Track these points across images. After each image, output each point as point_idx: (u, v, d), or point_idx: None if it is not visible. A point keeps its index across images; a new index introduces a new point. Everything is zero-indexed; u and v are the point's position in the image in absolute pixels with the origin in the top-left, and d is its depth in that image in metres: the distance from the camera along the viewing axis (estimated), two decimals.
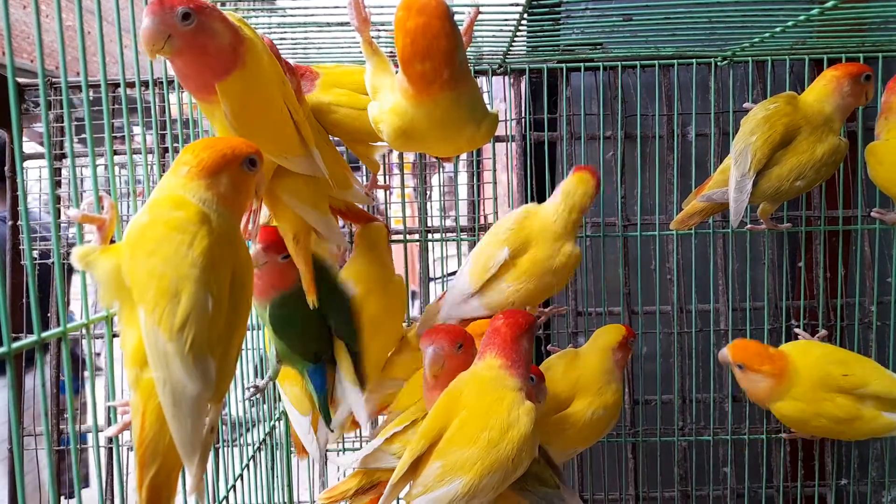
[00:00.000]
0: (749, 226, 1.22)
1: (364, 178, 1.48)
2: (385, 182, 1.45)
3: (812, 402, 1.03)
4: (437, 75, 0.70)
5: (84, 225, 0.65)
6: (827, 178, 1.09)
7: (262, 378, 1.06)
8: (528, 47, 1.30)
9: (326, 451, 1.14)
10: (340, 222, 1.20)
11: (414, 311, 1.84)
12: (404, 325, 1.14)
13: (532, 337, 0.88)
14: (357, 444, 1.48)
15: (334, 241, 0.94)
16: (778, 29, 1.12)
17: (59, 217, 1.58)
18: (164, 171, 1.58)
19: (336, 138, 1.04)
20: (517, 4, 1.01)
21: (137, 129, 0.83)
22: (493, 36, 1.21)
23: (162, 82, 0.90)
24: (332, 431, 1.05)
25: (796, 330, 1.22)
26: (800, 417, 1.04)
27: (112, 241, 0.65)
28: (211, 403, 0.59)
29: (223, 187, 0.64)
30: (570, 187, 1.01)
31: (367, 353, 1.03)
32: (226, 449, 1.14)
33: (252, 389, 1.03)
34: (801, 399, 1.03)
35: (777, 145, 1.03)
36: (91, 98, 0.72)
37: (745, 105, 1.17)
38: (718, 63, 1.34)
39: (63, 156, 1.52)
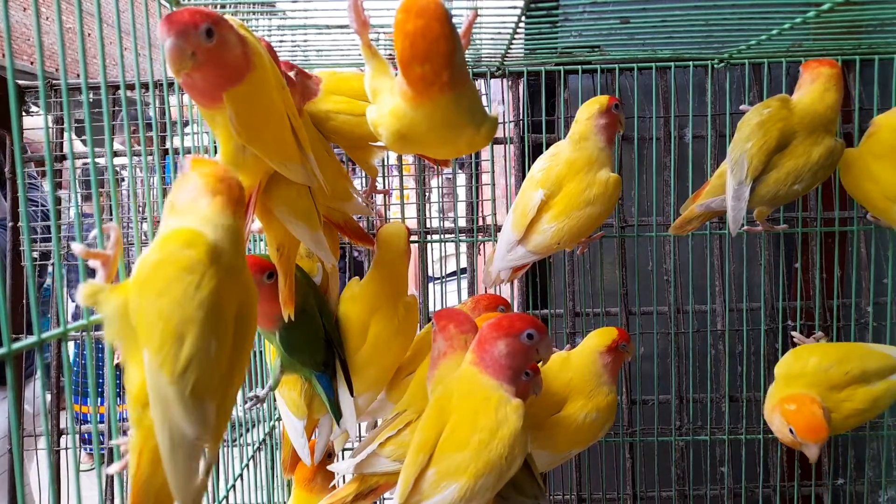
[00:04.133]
0: (746, 227, 1.22)
1: (362, 182, 1.48)
2: (384, 183, 1.45)
3: (838, 411, 1.03)
4: (436, 77, 0.70)
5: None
6: (824, 180, 1.09)
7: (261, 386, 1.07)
8: (526, 50, 1.31)
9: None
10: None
11: None
12: None
13: (513, 343, 0.84)
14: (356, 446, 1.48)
15: (323, 257, 0.94)
16: (774, 31, 1.12)
17: (59, 218, 1.59)
18: (163, 173, 1.58)
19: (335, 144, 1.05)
20: (515, 7, 1.02)
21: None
22: (492, 38, 1.21)
23: (162, 84, 0.91)
24: (341, 429, 1.06)
25: (792, 332, 1.22)
26: (837, 429, 1.05)
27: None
28: (208, 445, 0.58)
29: (240, 218, 0.63)
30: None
31: (364, 368, 1.04)
32: (226, 449, 1.14)
33: (252, 400, 1.03)
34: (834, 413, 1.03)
35: (773, 151, 1.04)
36: (91, 100, 0.73)
37: (741, 107, 1.18)
38: (715, 65, 1.34)
39: (63, 157, 1.53)
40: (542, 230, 1.04)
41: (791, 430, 0.99)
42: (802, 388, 1.03)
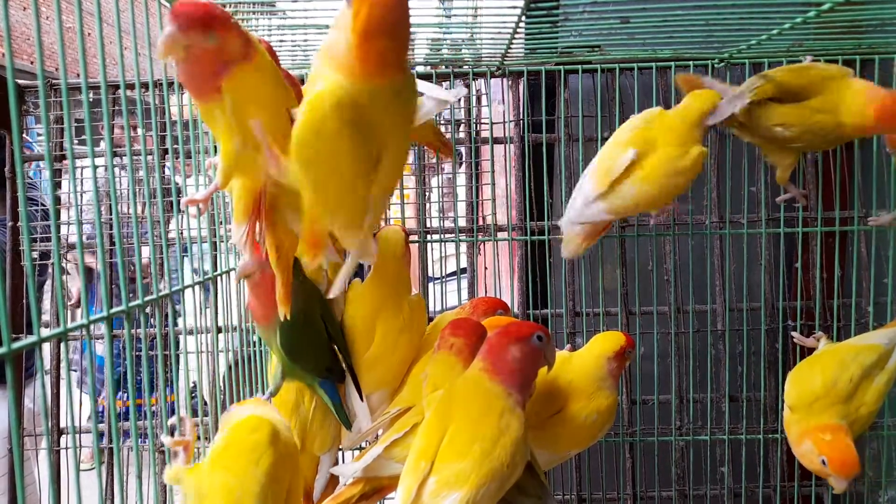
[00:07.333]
0: (782, 197, 1.18)
1: None
2: None
3: (857, 418, 1.04)
4: (396, 57, 0.67)
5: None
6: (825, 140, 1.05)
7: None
8: (526, 49, 1.31)
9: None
10: None
11: None
12: None
13: (524, 347, 0.85)
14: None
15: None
16: (775, 31, 1.12)
17: (59, 217, 1.59)
18: (163, 173, 1.58)
19: None
20: (515, 7, 1.02)
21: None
22: (492, 38, 1.21)
23: (162, 84, 0.91)
24: (355, 430, 1.06)
25: (793, 332, 1.22)
26: (859, 433, 1.05)
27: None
28: None
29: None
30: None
31: (372, 367, 1.04)
32: None
33: None
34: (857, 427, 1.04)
35: (793, 92, 1.01)
36: (91, 99, 0.73)
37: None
38: (716, 65, 1.34)
39: (63, 157, 1.53)
40: (624, 192, 1.00)
41: (823, 462, 0.99)
42: (826, 413, 1.03)
